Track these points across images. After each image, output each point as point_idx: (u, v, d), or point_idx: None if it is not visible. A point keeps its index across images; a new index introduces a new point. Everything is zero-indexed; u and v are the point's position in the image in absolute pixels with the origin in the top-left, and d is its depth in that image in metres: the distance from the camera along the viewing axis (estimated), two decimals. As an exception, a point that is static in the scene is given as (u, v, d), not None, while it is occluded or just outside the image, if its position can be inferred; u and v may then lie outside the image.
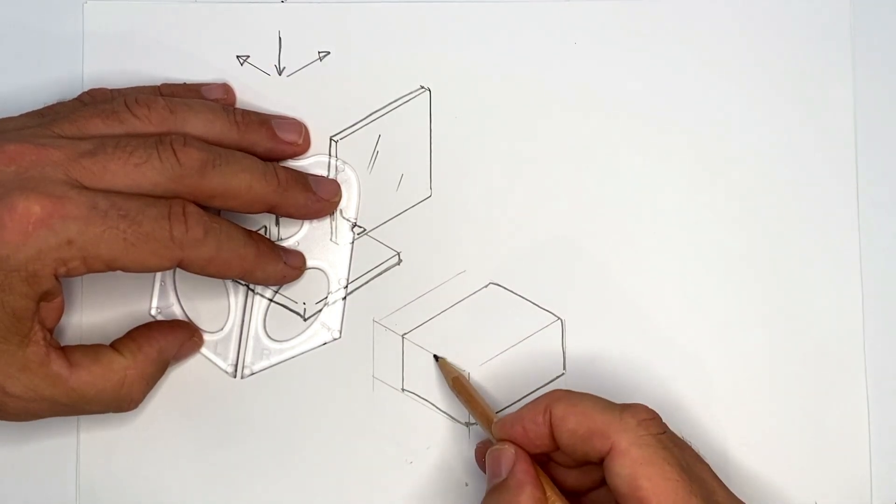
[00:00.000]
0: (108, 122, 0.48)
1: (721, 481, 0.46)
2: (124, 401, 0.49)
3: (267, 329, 0.53)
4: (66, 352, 0.48)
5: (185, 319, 0.53)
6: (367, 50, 0.53)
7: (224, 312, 0.53)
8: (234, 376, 0.53)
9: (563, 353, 0.53)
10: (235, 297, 0.54)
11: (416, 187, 0.54)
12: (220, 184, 0.48)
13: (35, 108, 0.52)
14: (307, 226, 0.54)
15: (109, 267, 0.46)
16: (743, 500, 0.46)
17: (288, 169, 0.52)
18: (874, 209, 0.54)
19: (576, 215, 0.54)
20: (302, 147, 0.53)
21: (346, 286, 0.53)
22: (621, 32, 0.55)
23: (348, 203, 0.54)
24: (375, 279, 0.54)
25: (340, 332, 0.53)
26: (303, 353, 0.53)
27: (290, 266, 0.52)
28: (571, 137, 0.54)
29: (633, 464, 0.44)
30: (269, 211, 0.51)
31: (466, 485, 0.53)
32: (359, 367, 0.53)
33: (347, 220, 0.54)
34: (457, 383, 0.52)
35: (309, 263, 0.54)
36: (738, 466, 0.52)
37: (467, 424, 0.53)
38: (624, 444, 0.44)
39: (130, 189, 0.47)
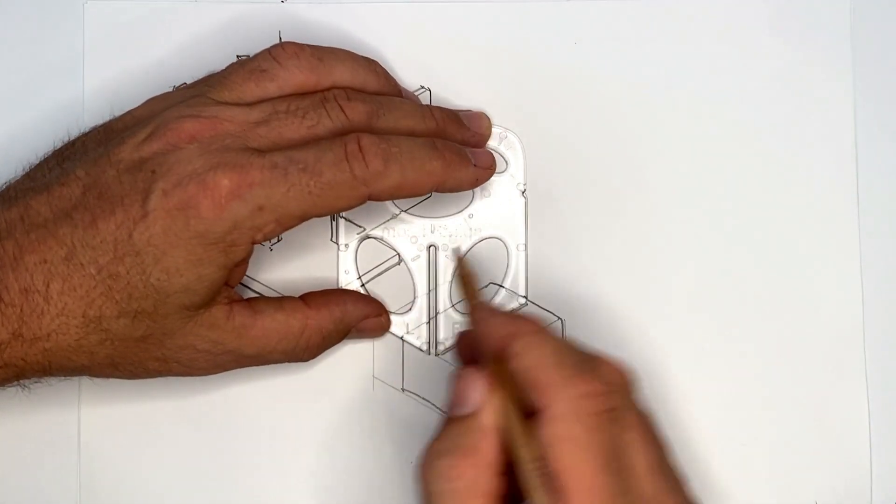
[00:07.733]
0: (261, 83, 0.48)
1: (665, 470, 0.42)
2: (302, 349, 0.50)
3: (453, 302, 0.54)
4: (252, 302, 0.49)
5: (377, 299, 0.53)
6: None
7: (410, 292, 0.54)
8: (429, 353, 0.53)
9: (563, 353, 0.53)
10: (420, 280, 0.54)
11: (416, 187, 0.54)
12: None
13: (34, 109, 0.53)
14: None
15: (302, 220, 0.47)
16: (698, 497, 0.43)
17: (440, 108, 0.52)
18: (874, 209, 0.54)
19: (574, 214, 0.54)
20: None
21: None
22: (622, 32, 0.55)
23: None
24: (375, 279, 0.54)
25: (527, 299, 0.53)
26: None
27: (480, 168, 0.51)
28: (571, 136, 0.54)
29: (554, 436, 0.41)
30: None
31: (466, 485, 0.53)
32: (359, 367, 0.53)
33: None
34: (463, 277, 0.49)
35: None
36: (739, 466, 0.52)
37: (467, 424, 0.53)
38: (556, 411, 0.41)
39: None
